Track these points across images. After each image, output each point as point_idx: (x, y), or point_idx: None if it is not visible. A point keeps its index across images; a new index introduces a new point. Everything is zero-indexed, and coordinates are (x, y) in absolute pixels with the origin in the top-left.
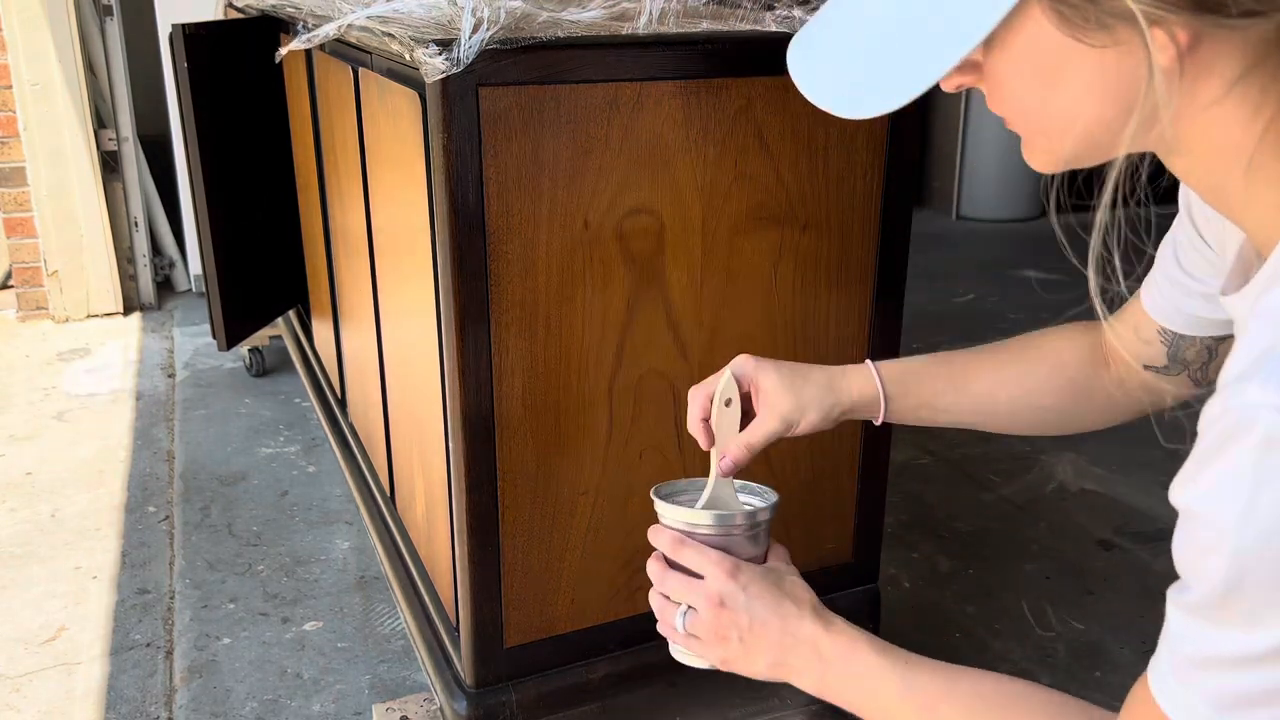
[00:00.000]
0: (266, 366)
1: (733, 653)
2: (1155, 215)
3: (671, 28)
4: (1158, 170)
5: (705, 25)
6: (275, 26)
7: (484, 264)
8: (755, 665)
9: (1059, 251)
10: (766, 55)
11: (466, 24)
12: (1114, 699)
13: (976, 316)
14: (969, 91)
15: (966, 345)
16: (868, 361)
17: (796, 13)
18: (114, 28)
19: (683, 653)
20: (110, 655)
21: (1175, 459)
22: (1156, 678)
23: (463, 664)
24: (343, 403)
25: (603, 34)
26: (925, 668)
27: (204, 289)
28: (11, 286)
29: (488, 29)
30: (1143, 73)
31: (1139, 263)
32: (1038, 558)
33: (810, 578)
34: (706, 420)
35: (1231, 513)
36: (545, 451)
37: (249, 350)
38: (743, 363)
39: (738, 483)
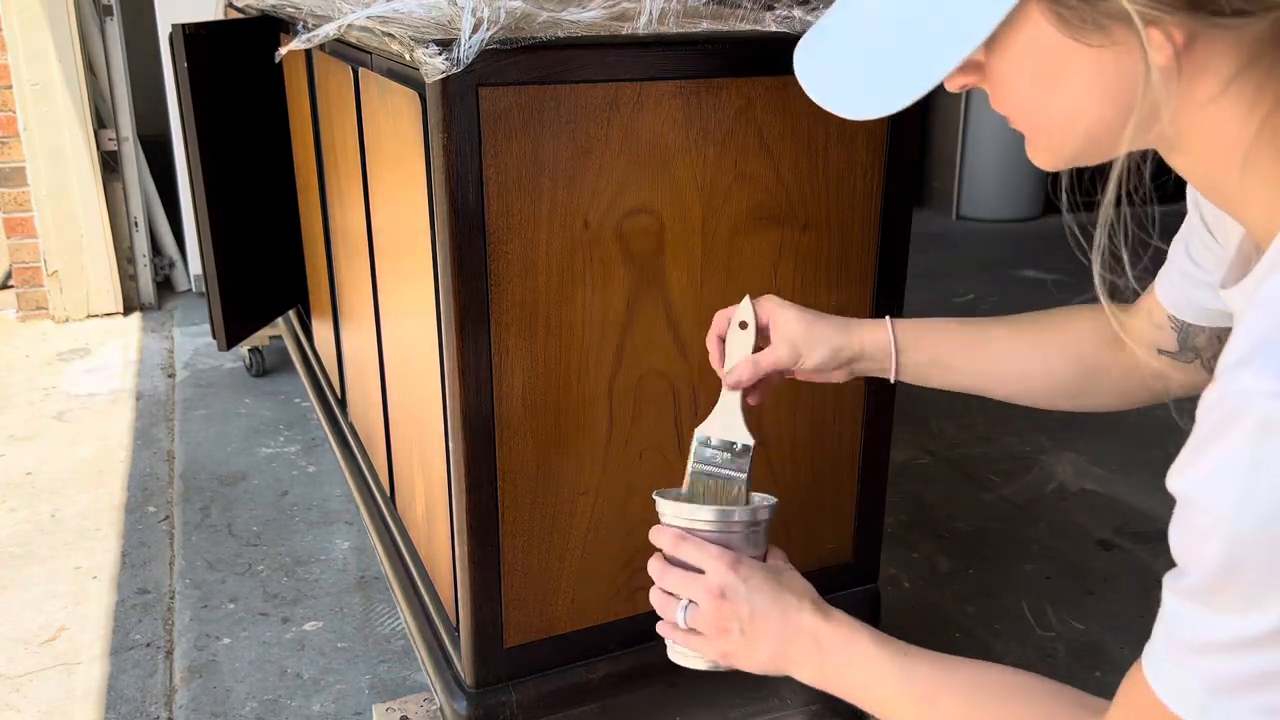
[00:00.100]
0: (266, 366)
1: (734, 645)
2: (1159, 213)
3: (671, 28)
4: (1163, 168)
5: (705, 25)
6: (275, 26)
7: (484, 264)
8: (756, 657)
9: (1059, 251)
10: (766, 55)
11: (466, 24)
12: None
13: (976, 316)
14: (969, 91)
15: None
16: (886, 317)
17: (796, 13)
18: (114, 28)
19: (680, 654)
20: (110, 655)
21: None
22: (1151, 662)
23: (463, 664)
24: (343, 403)
25: (603, 34)
26: (924, 659)
27: (204, 289)
28: (11, 286)
29: (488, 29)
30: (1140, 72)
31: (1144, 256)
32: (1038, 558)
33: (810, 578)
34: (722, 339)
35: (1228, 498)
36: (545, 451)
37: (249, 350)
38: (765, 298)
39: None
